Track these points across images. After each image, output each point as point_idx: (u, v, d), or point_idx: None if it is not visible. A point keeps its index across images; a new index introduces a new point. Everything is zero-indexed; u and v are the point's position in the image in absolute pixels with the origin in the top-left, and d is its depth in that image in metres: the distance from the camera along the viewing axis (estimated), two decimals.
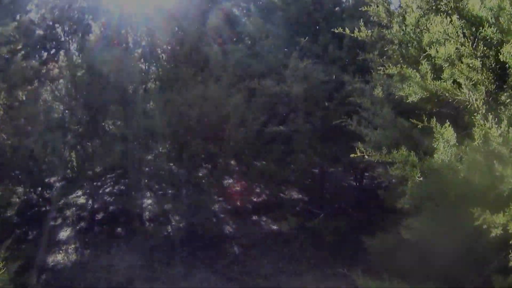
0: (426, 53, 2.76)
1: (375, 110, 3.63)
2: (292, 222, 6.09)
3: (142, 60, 9.51)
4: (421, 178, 2.56)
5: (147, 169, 7.36)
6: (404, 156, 2.60)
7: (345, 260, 5.95)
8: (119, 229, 7.75)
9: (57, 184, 8.06)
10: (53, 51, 10.41)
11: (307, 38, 6.63)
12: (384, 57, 3.92)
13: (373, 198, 5.61)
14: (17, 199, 8.25)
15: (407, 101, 2.89)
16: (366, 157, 2.69)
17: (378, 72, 4.16)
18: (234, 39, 7.80)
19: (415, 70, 2.83)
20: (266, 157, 6.69)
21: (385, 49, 3.99)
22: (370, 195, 6.66)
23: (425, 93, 2.70)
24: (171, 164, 7.38)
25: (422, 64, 3.24)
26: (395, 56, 3.77)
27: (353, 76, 5.57)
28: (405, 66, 2.88)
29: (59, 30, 10.78)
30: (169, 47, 8.04)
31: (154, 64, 8.24)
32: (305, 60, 6.20)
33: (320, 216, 6.48)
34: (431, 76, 2.75)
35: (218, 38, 7.56)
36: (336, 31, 3.81)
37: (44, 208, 8.20)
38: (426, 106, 3.48)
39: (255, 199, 7.84)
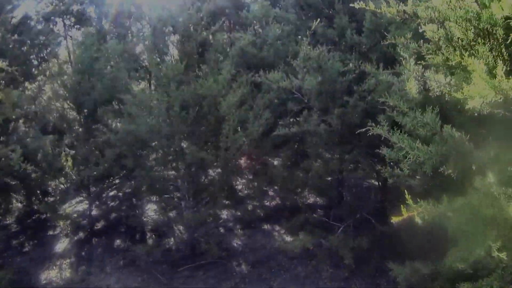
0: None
1: (414, 115, 2.61)
2: (306, 238, 5.19)
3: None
4: (495, 246, 1.59)
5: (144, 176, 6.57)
6: (470, 209, 1.63)
7: (367, 285, 5.11)
8: (117, 242, 7.12)
9: (52, 193, 7.52)
10: (48, 49, 9.81)
11: (320, 21, 5.61)
12: (421, 41, 2.91)
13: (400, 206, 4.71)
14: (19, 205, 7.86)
15: (467, 107, 1.89)
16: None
17: (410, 61, 3.14)
18: (238, 24, 6.89)
19: (480, 61, 1.84)
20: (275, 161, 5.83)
21: (420, 30, 2.97)
22: (396, 203, 5.71)
23: (498, 97, 1.71)
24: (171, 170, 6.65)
25: (477, 51, 2.24)
26: (435, 39, 2.76)
27: (377, 65, 4.53)
28: (466, 55, 1.89)
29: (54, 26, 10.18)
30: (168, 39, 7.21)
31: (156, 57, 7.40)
32: (319, 47, 5.20)
33: (339, 230, 5.55)
34: (503, 70, 1.76)
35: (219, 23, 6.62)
36: (357, 6, 2.82)
37: (37, 217, 7.73)
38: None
39: (265, 209, 6.97)
